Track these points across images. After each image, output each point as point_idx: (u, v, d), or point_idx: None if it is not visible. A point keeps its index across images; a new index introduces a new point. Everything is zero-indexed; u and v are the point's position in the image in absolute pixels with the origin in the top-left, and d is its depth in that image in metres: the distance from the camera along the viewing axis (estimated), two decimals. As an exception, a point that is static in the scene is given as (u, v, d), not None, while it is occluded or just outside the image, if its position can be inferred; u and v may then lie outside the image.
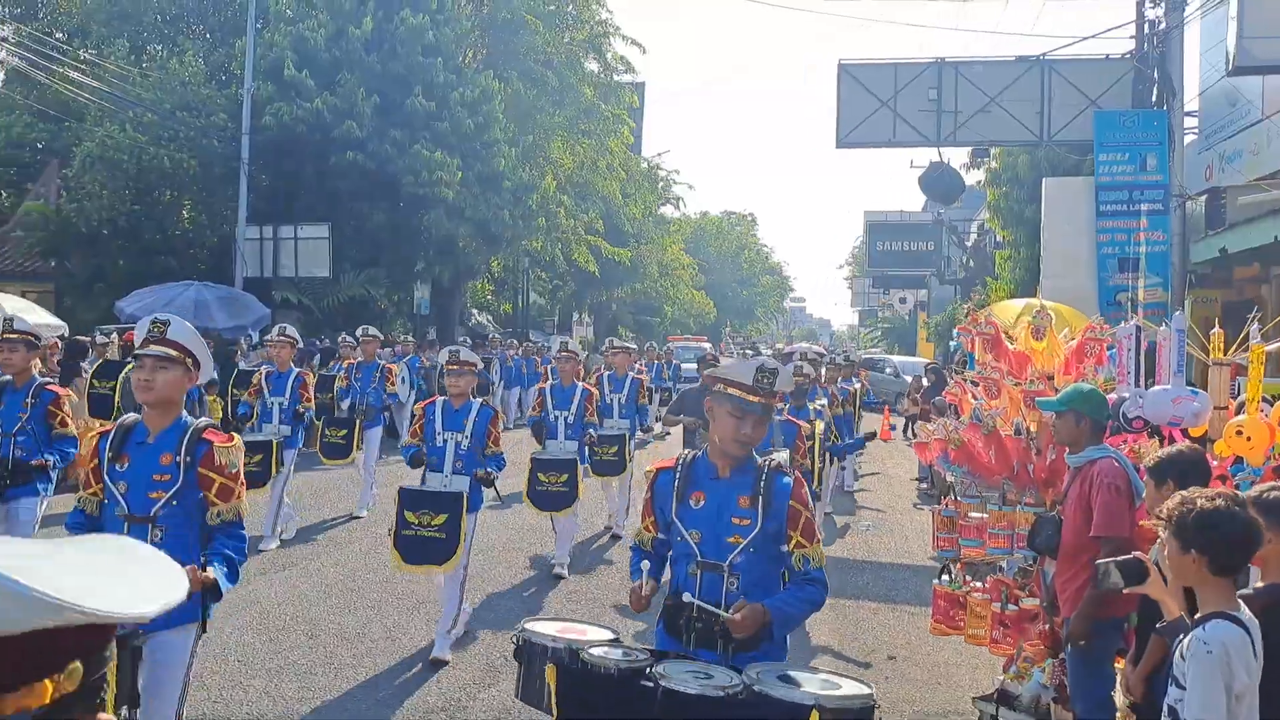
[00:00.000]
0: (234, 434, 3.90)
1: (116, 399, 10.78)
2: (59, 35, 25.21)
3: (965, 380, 6.08)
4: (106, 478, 3.72)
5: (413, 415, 7.25)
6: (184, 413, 3.82)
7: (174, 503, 3.67)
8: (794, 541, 3.31)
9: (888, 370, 29.72)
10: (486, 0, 25.82)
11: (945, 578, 5.87)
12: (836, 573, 9.21)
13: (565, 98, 26.73)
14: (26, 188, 25.18)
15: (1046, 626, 5.05)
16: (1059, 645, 4.92)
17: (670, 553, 3.49)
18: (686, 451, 3.55)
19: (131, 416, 3.87)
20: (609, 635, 3.34)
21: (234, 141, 21.72)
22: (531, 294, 36.95)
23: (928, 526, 7.20)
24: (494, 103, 23.21)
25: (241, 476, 3.79)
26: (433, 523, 6.23)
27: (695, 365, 28.32)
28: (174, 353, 3.70)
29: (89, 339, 14.96)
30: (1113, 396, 5.20)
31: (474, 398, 6.80)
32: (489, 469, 6.52)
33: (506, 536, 10.04)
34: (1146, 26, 15.41)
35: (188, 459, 3.67)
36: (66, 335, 13.74)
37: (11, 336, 6.38)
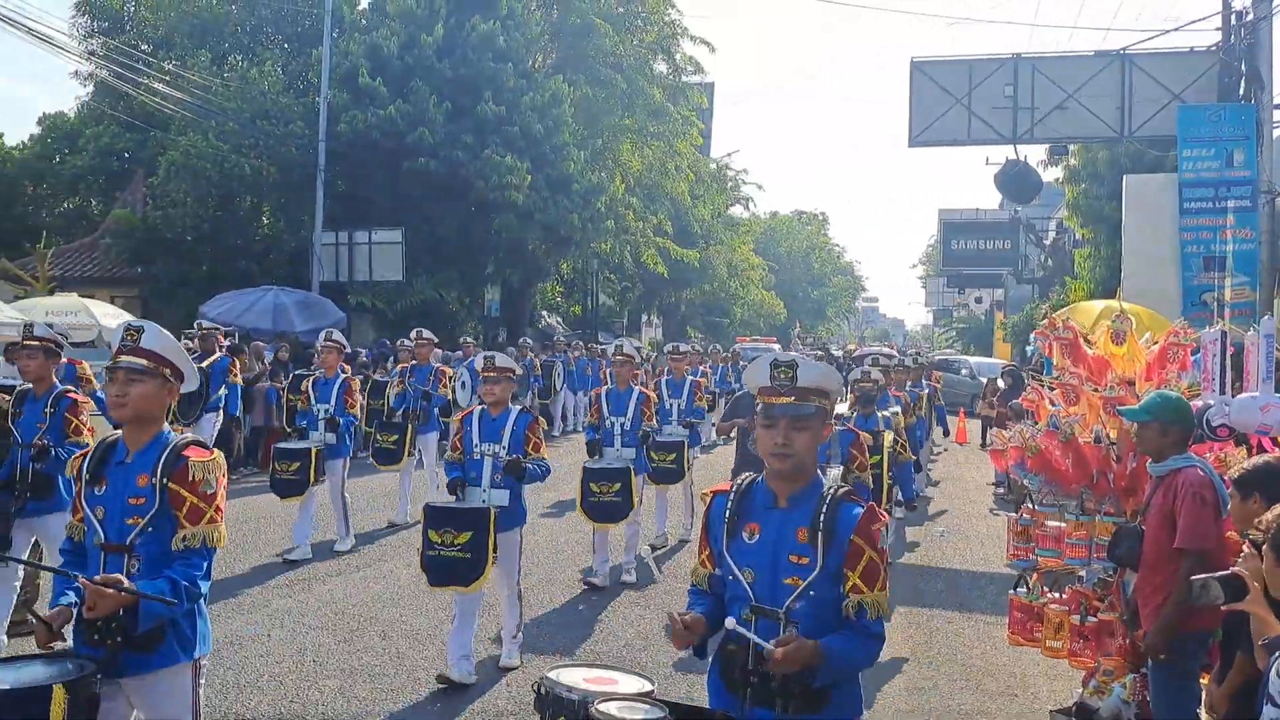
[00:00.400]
0: (217, 450, 3.49)
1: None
2: (145, 47, 26.05)
3: (1042, 385, 5.94)
4: (84, 503, 3.38)
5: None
6: (166, 427, 3.45)
7: (150, 529, 3.28)
8: (850, 583, 2.79)
9: (963, 371, 29.15)
10: (556, 4, 26.00)
11: (1021, 588, 5.74)
12: (909, 580, 9.07)
13: (634, 100, 26.80)
14: (115, 195, 26.06)
15: (1127, 640, 4.91)
16: (1140, 659, 4.78)
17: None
18: (745, 475, 3.06)
19: (113, 434, 3.50)
20: (643, 686, 2.96)
21: (311, 149, 22.21)
22: (601, 295, 37.08)
23: (1004, 533, 7.03)
24: (563, 107, 23.37)
25: (220, 501, 3.37)
26: (455, 542, 5.77)
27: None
28: (148, 363, 3.35)
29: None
30: (1197, 403, 5.03)
31: (513, 405, 6.34)
32: (520, 456, 6.05)
33: (566, 543, 10.07)
34: (1233, 18, 14.91)
35: (164, 480, 3.29)
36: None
37: (31, 343, 6.06)
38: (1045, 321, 5.74)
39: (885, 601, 2.84)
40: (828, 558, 2.79)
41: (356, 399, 9.61)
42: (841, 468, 4.98)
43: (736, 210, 47.35)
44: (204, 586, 3.32)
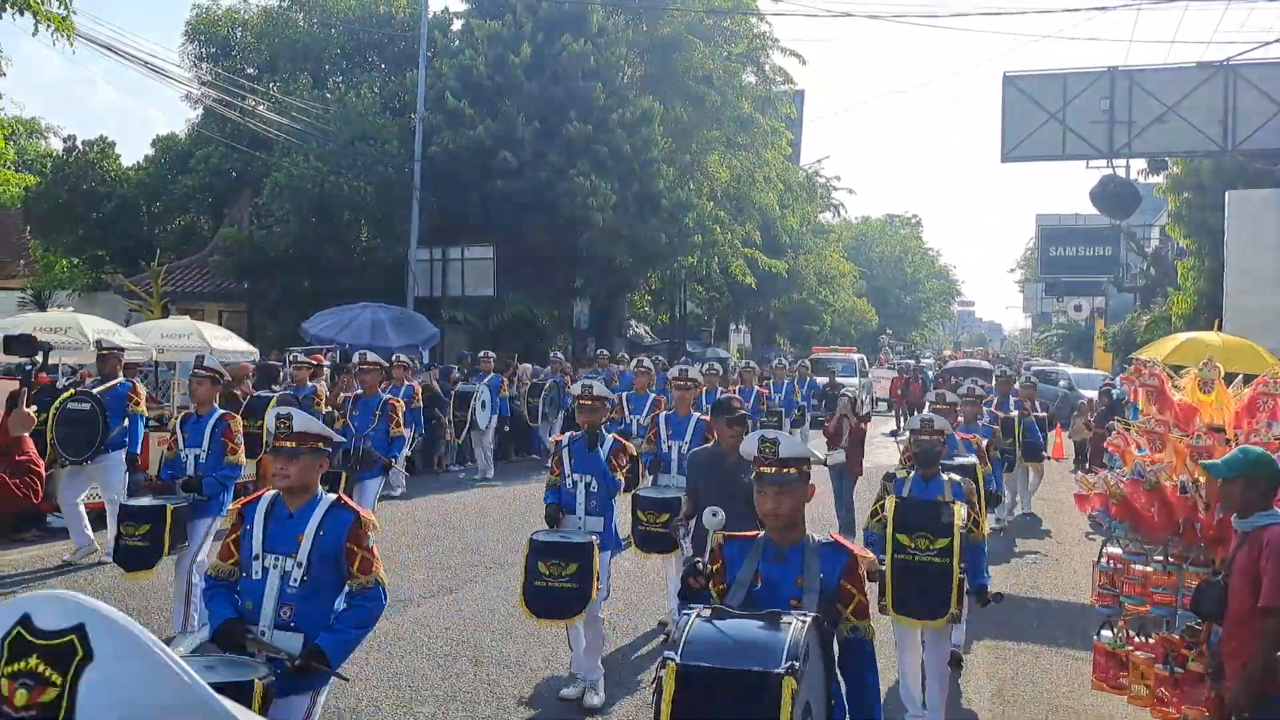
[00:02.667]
0: None
1: (49, 435, 8.90)
2: (250, 71, 27.13)
3: (1128, 430, 5.88)
4: None
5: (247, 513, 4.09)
6: None
7: None
8: None
9: (1061, 383, 28.29)
10: (644, 20, 26.21)
11: (1107, 633, 5.70)
12: (996, 609, 8.95)
13: (723, 113, 26.86)
14: (223, 214, 27.20)
15: (1214, 694, 4.85)
16: (1226, 715, 4.72)
17: None
18: None
19: None
20: None
21: (406, 168, 22.87)
22: (689, 304, 37.23)
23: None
24: (653, 124, 23.54)
25: None
26: None
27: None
28: None
29: (279, 360, 16.00)
30: (1286, 455, 4.94)
31: (324, 491, 4.03)
32: (313, 654, 3.71)
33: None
34: (1345, 23, 14.37)
35: None
36: (258, 361, 14.72)
37: None
38: (1132, 368, 5.69)
39: None
40: None
41: (238, 444, 7.43)
42: (809, 619, 3.03)
43: (826, 217, 47.00)
44: None
